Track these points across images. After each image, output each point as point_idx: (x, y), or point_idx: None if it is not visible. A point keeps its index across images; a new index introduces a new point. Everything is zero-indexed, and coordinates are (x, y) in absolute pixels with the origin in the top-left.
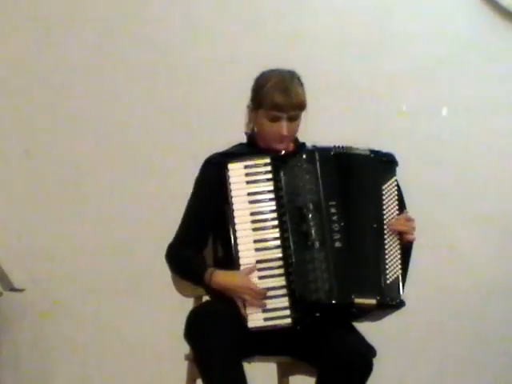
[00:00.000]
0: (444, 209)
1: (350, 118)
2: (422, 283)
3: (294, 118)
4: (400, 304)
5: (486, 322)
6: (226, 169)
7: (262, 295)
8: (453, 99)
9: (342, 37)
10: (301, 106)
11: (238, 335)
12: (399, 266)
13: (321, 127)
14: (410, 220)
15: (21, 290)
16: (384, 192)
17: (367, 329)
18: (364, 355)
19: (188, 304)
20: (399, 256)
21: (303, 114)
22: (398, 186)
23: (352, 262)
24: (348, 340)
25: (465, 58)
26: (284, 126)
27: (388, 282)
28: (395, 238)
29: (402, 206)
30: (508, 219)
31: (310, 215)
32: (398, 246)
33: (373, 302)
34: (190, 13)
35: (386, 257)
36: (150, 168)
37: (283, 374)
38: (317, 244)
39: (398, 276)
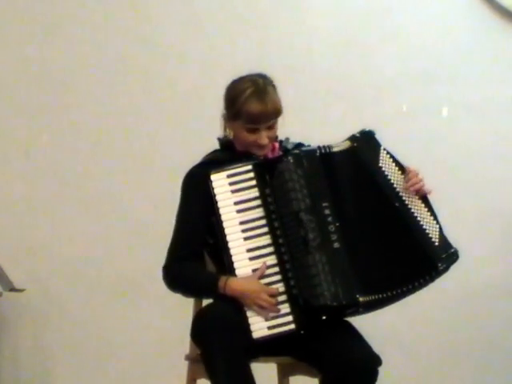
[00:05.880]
0: (443, 209)
1: (350, 118)
2: None
3: (272, 126)
4: (453, 257)
5: (486, 322)
6: (209, 180)
7: (276, 297)
8: (453, 99)
9: (342, 37)
10: (277, 114)
11: (245, 336)
12: (435, 222)
13: (321, 127)
14: (417, 175)
15: (21, 290)
16: (383, 168)
17: (367, 328)
18: (369, 364)
19: (188, 304)
20: (429, 213)
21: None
22: (388, 152)
23: (353, 260)
24: (352, 348)
25: (465, 58)
26: (263, 136)
27: (436, 243)
28: (417, 200)
29: (401, 167)
30: (508, 219)
31: (306, 219)
32: (423, 205)
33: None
34: (189, 13)
35: (420, 219)
36: (151, 169)
37: (283, 375)
38: (315, 247)
39: (439, 230)
